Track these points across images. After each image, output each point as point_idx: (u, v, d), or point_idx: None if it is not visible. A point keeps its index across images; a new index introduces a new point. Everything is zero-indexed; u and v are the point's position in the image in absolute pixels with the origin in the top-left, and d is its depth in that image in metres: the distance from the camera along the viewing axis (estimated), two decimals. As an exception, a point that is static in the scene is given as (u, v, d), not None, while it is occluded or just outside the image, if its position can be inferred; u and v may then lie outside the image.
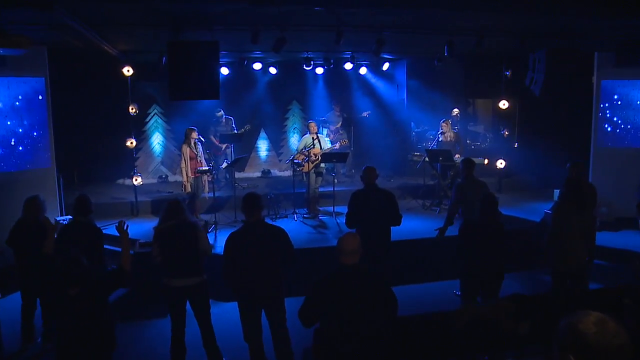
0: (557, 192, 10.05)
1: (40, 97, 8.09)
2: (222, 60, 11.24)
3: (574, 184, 5.37)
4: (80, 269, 3.79)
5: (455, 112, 11.54)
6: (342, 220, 8.95)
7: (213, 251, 7.27)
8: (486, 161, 9.93)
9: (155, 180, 11.91)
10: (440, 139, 9.77)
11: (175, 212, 4.93)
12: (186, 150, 8.65)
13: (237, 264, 4.42)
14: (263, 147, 12.94)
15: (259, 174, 12.38)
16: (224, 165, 9.12)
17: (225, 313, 6.17)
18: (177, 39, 6.58)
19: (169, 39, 6.47)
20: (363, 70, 12.01)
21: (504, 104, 10.64)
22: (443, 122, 9.72)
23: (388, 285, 3.56)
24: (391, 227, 5.75)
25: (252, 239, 4.43)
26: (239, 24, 6.73)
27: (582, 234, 5.21)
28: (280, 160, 12.75)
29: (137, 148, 11.88)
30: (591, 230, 5.63)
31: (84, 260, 3.87)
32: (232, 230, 4.67)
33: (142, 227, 8.89)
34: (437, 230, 6.46)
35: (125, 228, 4.49)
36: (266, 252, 4.42)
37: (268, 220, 4.96)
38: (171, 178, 11.85)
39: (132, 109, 9.35)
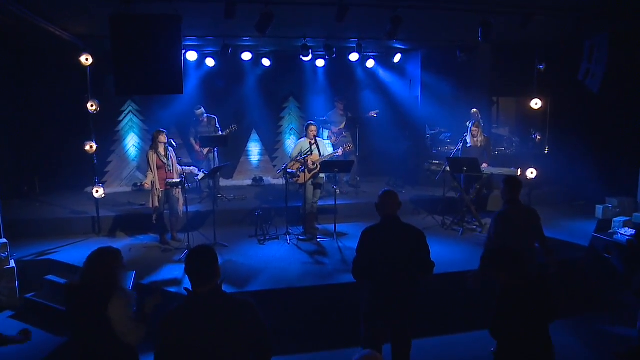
0: (599, 208, 8.60)
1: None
2: (206, 50, 9.79)
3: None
4: None
5: (474, 111, 9.96)
6: (345, 243, 7.46)
7: (179, 288, 5.69)
8: (519, 172, 8.28)
9: (129, 189, 10.44)
10: (469, 144, 8.22)
11: (94, 267, 3.19)
12: (152, 157, 7.09)
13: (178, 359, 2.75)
14: (255, 150, 11.54)
15: (249, 182, 10.97)
16: (200, 176, 7.51)
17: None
18: (127, 11, 4.94)
19: (113, 12, 4.82)
20: (370, 63, 10.95)
21: (536, 103, 9.01)
22: (473, 125, 8.23)
23: None
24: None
25: (201, 322, 2.73)
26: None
27: None
28: (274, 166, 11.31)
29: (110, 151, 10.63)
30: None
31: None
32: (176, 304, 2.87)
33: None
34: (471, 279, 4.30)
35: None
36: (223, 342, 2.74)
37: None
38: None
39: (91, 105, 7.72)
